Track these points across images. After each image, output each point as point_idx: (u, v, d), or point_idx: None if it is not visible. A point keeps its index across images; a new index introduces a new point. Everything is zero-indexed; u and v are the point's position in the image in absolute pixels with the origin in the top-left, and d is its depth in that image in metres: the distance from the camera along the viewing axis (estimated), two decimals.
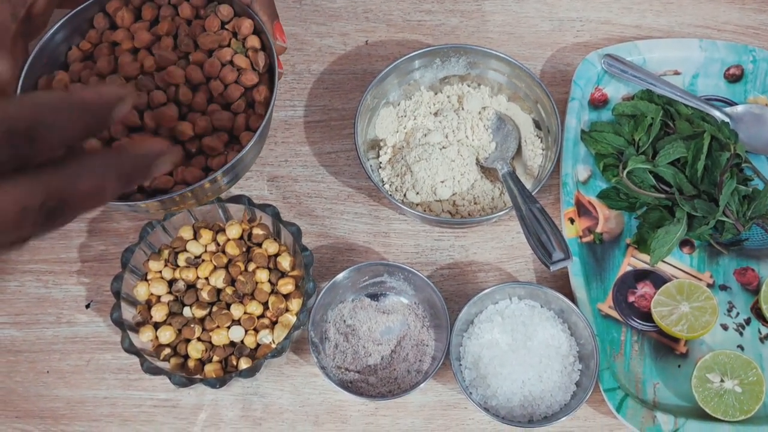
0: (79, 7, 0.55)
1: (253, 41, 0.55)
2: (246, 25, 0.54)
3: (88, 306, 0.72)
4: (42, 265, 0.74)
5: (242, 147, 0.52)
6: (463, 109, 0.76)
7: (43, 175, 0.35)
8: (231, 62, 0.54)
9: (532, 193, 0.67)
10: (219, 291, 0.66)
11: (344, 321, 0.69)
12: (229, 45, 0.55)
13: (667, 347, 0.69)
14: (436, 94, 0.78)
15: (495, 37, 0.83)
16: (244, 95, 0.54)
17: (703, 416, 0.64)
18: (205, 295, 0.65)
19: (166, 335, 0.64)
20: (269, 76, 0.55)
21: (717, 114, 0.75)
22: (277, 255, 0.67)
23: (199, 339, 0.65)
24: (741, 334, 0.69)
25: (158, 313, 0.65)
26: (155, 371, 0.62)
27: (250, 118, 0.54)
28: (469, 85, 0.78)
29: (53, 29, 0.54)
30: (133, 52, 0.59)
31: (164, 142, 0.41)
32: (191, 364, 0.64)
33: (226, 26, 0.55)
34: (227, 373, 0.64)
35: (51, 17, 0.55)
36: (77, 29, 0.55)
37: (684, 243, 0.72)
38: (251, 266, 0.66)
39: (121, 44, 0.58)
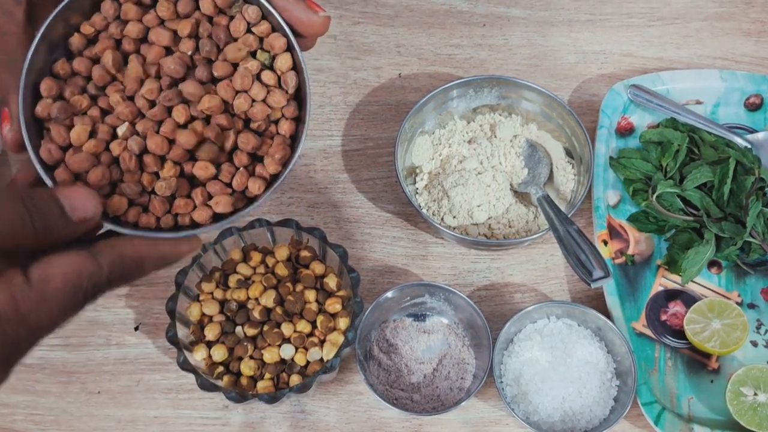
0: None
1: (286, 60, 0.49)
2: (280, 44, 0.48)
3: (137, 328, 0.75)
4: None
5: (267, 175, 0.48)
6: (495, 136, 0.79)
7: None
8: (258, 77, 0.49)
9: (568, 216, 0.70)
10: (269, 310, 0.68)
11: (387, 340, 0.71)
12: (254, 56, 0.49)
13: (699, 363, 0.71)
14: (468, 123, 0.81)
15: (523, 69, 0.87)
16: (268, 117, 0.49)
17: (739, 428, 0.66)
18: (256, 315, 0.67)
19: (219, 353, 0.66)
20: (297, 101, 0.50)
21: (739, 141, 0.78)
22: (323, 276, 0.70)
23: (251, 357, 0.67)
24: None
25: (211, 333, 0.67)
26: (210, 387, 0.64)
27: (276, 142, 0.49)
28: (500, 115, 0.81)
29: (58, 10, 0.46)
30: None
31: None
32: (244, 381, 0.66)
33: (252, 29, 0.49)
34: (279, 390, 0.66)
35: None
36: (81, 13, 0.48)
37: (711, 264, 0.75)
38: (299, 287, 0.69)
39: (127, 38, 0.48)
